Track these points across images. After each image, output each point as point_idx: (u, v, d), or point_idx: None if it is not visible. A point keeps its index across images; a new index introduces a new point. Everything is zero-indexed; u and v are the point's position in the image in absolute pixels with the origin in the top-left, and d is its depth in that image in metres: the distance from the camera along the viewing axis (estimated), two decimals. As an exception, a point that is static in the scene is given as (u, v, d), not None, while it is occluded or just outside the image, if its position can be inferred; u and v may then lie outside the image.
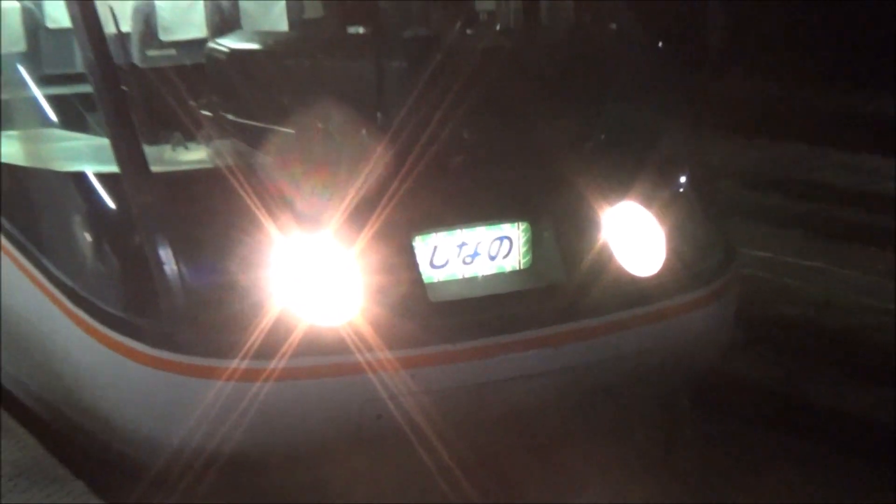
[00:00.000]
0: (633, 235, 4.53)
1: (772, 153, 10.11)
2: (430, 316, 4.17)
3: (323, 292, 4.06)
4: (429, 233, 4.32)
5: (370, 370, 3.97)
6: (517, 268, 4.49)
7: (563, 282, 4.41)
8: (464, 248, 4.39)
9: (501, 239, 4.45)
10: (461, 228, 4.38)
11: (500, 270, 4.47)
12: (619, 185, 4.56)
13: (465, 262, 4.40)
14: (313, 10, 5.98)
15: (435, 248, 4.34)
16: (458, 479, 4.12)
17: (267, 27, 5.78)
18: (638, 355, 4.44)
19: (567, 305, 4.34)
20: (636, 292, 4.44)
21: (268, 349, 3.93)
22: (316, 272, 4.07)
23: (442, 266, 4.36)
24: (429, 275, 4.32)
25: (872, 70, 11.31)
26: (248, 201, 4.03)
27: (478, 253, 4.42)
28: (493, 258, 4.45)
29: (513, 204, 4.47)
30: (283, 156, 4.35)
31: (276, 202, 4.07)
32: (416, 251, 4.28)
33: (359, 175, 4.12)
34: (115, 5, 4.70)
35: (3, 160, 4.76)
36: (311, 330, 3.98)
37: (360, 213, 4.09)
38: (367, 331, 3.99)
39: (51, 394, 4.62)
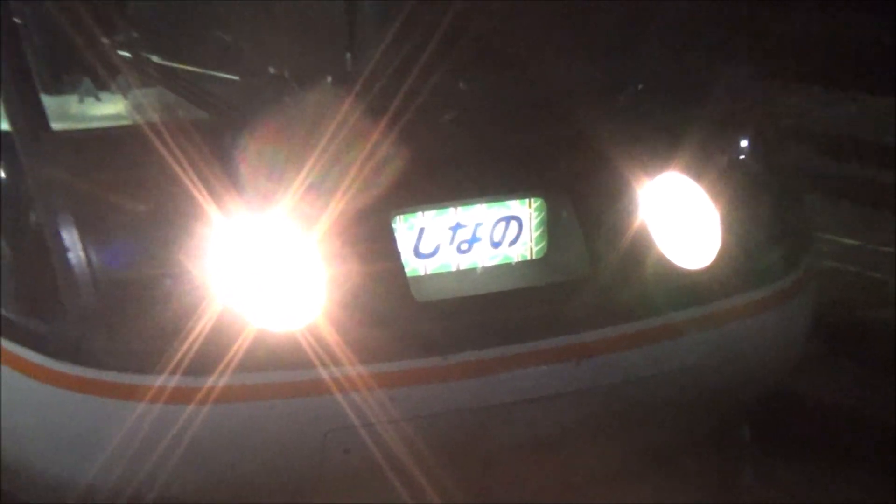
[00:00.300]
0: (679, 216, 4.53)
1: (859, 109, 10.09)
2: (414, 320, 4.17)
3: (276, 288, 4.05)
4: (413, 211, 4.31)
5: (336, 390, 3.96)
6: (528, 257, 4.50)
7: (587, 276, 4.41)
8: (459, 231, 4.39)
9: (508, 220, 4.45)
10: (456, 206, 4.37)
11: (507, 261, 4.48)
12: (660, 149, 4.55)
13: (460, 250, 4.40)
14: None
15: (421, 231, 4.34)
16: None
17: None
18: (684, 372, 4.44)
19: (593, 307, 4.34)
20: (683, 290, 4.45)
21: (205, 362, 3.93)
22: (266, 262, 4.05)
23: (430, 255, 4.36)
24: (413, 266, 4.32)
25: None
26: (179, 170, 4.01)
27: (477, 238, 4.42)
28: (496, 244, 4.45)
29: (523, 174, 4.47)
30: (225, 110, 4.34)
31: (216, 171, 4.05)
32: (397, 235, 4.27)
33: (323, 135, 4.09)
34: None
35: None
36: (261, 337, 3.97)
37: (325, 186, 4.08)
38: (333, 339, 3.98)
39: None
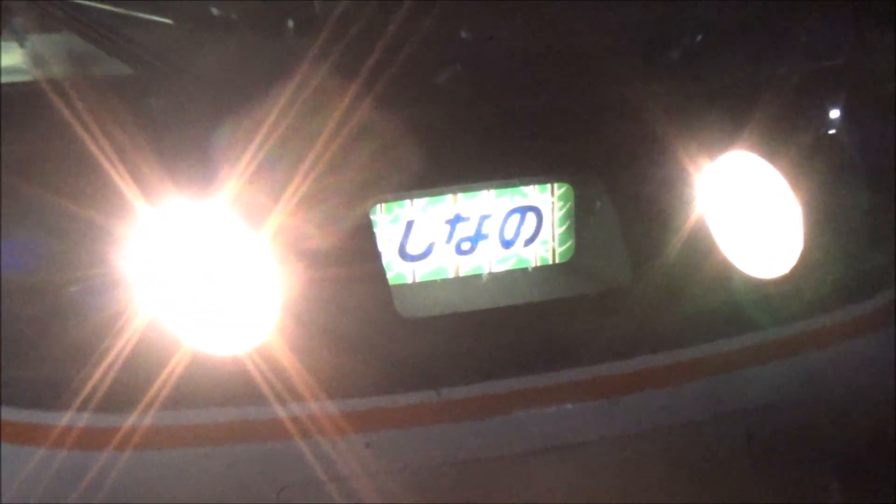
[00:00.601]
0: (749, 209, 4.52)
1: None
2: (399, 342, 4.16)
3: (217, 300, 4.03)
4: (399, 199, 4.31)
5: (295, 433, 3.96)
6: (550, 260, 4.51)
7: (627, 286, 4.42)
8: (459, 225, 4.39)
9: (523, 211, 4.45)
10: (455, 192, 4.37)
11: (521, 265, 4.48)
12: (724, 121, 4.54)
13: (460, 251, 4.41)
14: None
15: (409, 225, 4.34)
16: None
17: None
18: (756, 413, 4.45)
19: (634, 327, 4.34)
20: (752, 307, 4.44)
21: (124, 395, 3.91)
22: (206, 266, 4.03)
23: (421, 256, 4.37)
24: (398, 271, 4.32)
25: None
26: (92, 143, 3.98)
27: (483, 234, 4.42)
28: (508, 243, 4.46)
29: (543, 151, 4.46)
30: (154, 64, 4.34)
31: (140, 145, 4.01)
32: (378, 230, 4.27)
33: (281, 99, 4.06)
34: None
35: None
36: (197, 363, 3.96)
37: (283, 167, 4.06)
38: (291, 366, 3.97)
39: None
